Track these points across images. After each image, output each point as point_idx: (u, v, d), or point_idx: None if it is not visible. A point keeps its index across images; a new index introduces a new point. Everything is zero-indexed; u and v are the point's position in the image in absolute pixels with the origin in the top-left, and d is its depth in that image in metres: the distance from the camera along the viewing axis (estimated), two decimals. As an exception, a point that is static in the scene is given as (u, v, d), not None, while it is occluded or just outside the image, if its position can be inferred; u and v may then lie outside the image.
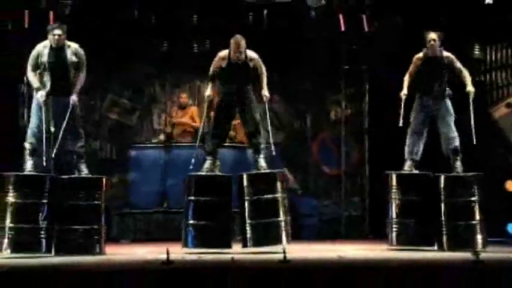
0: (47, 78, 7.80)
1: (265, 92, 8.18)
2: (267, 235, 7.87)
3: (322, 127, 11.39)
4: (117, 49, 10.56)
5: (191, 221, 7.96)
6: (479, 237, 8.06)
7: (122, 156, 10.93)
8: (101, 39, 10.34)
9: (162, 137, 10.82)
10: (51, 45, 7.82)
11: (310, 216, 10.89)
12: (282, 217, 7.94)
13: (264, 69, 8.21)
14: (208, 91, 8.30)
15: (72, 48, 7.89)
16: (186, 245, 7.94)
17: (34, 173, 7.78)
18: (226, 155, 10.28)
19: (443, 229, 8.10)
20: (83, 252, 7.55)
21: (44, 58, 7.80)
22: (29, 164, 7.82)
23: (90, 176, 7.92)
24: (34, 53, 7.88)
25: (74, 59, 7.85)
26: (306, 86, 11.31)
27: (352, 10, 10.26)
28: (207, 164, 8.18)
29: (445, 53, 8.38)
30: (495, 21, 9.94)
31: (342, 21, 10.25)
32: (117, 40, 10.45)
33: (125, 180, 10.74)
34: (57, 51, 7.82)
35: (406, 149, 8.49)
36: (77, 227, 7.66)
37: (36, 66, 7.83)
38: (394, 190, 8.29)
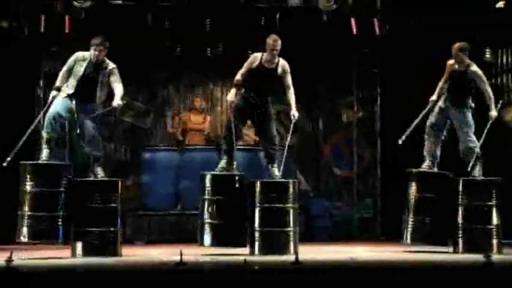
0: (73, 84, 7.85)
1: (294, 112, 8.01)
2: (275, 244, 7.81)
3: (335, 129, 11.40)
4: (131, 53, 10.60)
5: (206, 220, 7.96)
6: (495, 241, 8.06)
7: (136, 159, 10.98)
8: (115, 43, 10.39)
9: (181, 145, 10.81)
10: (90, 59, 7.89)
11: (322, 217, 10.90)
12: (291, 227, 7.89)
13: (290, 83, 8.01)
14: (231, 96, 8.06)
15: (109, 69, 7.95)
16: (202, 243, 7.95)
17: (50, 162, 7.78)
18: (238, 157, 10.32)
19: (460, 232, 8.11)
20: (100, 254, 7.58)
21: (80, 69, 7.87)
22: (45, 153, 7.85)
23: (106, 179, 7.95)
24: (75, 57, 7.94)
25: (105, 80, 7.91)
26: (318, 89, 11.33)
27: (364, 14, 10.25)
28: (222, 163, 8.16)
29: (472, 68, 8.33)
30: (506, 24, 9.92)
31: (353, 25, 10.24)
32: (131, 44, 10.48)
33: (139, 182, 10.79)
34: (95, 66, 7.90)
35: (425, 150, 8.50)
36: (94, 229, 7.68)
37: (70, 71, 7.90)
38: (412, 187, 8.28)
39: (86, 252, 7.60)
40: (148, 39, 10.56)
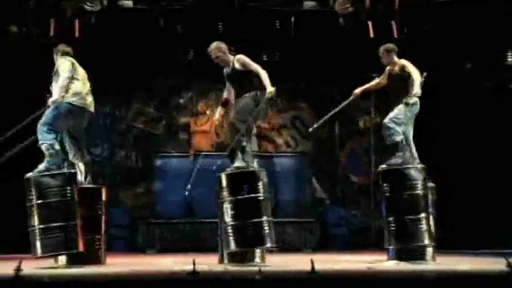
0: None
1: (269, 89, 7.77)
2: (249, 237, 7.54)
3: (351, 136, 11.37)
4: (143, 58, 10.64)
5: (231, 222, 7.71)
6: (426, 234, 7.83)
7: (148, 166, 11.00)
8: (127, 48, 10.43)
9: (191, 151, 10.79)
10: None
11: (338, 226, 10.87)
12: (264, 217, 7.62)
13: (254, 65, 7.89)
14: (216, 116, 8.35)
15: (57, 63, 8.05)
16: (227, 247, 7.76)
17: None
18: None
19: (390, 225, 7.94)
20: (58, 250, 7.42)
21: None
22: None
23: (56, 172, 7.66)
24: None
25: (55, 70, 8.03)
26: (334, 93, 11.30)
27: (381, 17, 10.22)
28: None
29: (399, 62, 8.34)
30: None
31: (370, 28, 10.22)
32: (142, 49, 10.51)
33: (151, 190, 10.80)
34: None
35: None
36: (51, 225, 7.47)
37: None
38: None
39: (69, 261, 7.47)
40: (160, 43, 10.58)
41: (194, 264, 6.63)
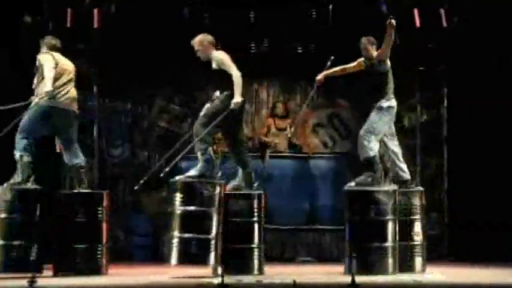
0: None
1: (236, 98, 7.85)
2: (238, 262, 7.70)
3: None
4: (166, 51, 10.57)
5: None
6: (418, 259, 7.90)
7: (172, 168, 10.90)
8: (149, 40, 10.38)
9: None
10: None
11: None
12: (256, 243, 7.77)
13: (229, 65, 7.95)
14: None
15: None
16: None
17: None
18: (287, 165, 10.21)
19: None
20: (82, 273, 7.63)
21: None
22: None
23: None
24: None
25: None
26: (376, 89, 11.16)
27: (429, 4, 10.09)
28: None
29: (376, 56, 8.33)
30: None
31: (416, 17, 10.09)
32: (166, 41, 10.45)
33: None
34: None
35: None
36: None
37: None
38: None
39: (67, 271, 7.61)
40: (185, 35, 10.48)
41: (223, 276, 6.59)
